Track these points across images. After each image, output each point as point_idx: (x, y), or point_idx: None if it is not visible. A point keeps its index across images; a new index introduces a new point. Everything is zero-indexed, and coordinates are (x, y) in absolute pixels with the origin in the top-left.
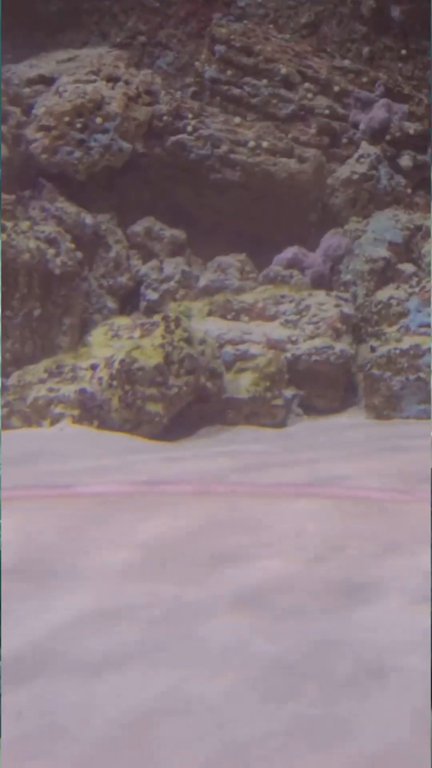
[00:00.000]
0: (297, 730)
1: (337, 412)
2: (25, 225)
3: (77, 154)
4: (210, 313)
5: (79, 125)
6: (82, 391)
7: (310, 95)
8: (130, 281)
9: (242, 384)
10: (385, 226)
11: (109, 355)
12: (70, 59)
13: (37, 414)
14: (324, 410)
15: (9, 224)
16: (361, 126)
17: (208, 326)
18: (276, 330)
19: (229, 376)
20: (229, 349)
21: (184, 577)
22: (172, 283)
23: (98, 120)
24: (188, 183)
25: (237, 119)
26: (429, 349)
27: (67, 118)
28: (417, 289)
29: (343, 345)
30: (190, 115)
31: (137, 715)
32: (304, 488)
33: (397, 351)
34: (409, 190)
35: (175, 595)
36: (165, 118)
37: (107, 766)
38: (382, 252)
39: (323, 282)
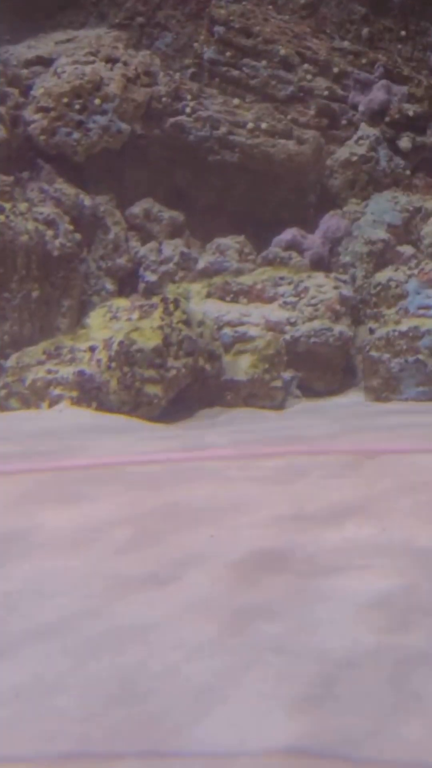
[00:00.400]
0: None
1: (335, 394)
2: (23, 206)
3: (76, 135)
4: (209, 295)
5: (77, 106)
6: (81, 373)
7: (309, 77)
8: (129, 263)
9: (241, 366)
10: (384, 207)
11: (107, 336)
12: (68, 40)
13: (36, 396)
14: (323, 392)
15: (7, 206)
16: (360, 107)
17: (206, 308)
18: (275, 312)
19: (228, 358)
20: (227, 330)
21: None
22: (170, 265)
23: (97, 101)
24: (187, 164)
25: (236, 100)
26: (428, 330)
27: (65, 100)
28: (416, 271)
29: (341, 327)
30: (188, 97)
31: None
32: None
33: (396, 333)
34: (408, 172)
35: None
36: (164, 99)
37: None
38: (381, 234)
39: (322, 264)
